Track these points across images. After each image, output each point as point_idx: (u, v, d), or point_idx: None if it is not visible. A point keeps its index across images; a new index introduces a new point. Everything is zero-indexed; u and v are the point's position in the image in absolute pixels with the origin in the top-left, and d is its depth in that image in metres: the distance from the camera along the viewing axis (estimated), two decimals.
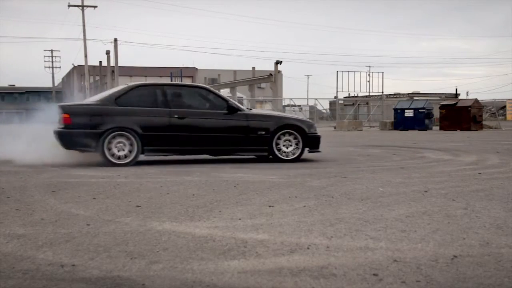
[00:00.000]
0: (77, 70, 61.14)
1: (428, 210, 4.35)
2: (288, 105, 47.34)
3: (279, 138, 8.95)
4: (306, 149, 9.10)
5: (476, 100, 26.25)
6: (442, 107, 26.61)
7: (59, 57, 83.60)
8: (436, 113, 28.15)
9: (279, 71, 39.30)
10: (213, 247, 3.24)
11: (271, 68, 41.84)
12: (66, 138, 8.52)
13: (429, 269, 2.76)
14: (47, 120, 9.63)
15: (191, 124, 8.70)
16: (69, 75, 71.65)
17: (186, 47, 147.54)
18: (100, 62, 51.85)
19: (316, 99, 42.48)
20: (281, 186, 5.85)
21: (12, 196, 5.32)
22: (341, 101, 40.81)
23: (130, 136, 8.37)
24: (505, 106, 48.69)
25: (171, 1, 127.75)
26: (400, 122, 27.59)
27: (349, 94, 41.65)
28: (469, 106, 25.09)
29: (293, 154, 8.97)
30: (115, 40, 42.47)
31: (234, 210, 4.45)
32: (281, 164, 8.48)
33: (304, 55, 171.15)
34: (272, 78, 39.50)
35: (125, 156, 8.40)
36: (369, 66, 48.13)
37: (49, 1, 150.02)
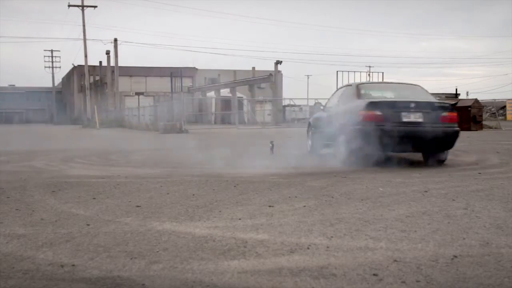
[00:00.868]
0: (77, 70, 61.15)
1: (428, 210, 4.35)
2: (288, 105, 47.35)
3: None
4: None
5: (476, 100, 26.24)
6: None
7: (59, 57, 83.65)
8: None
9: (279, 71, 39.33)
10: (213, 247, 3.24)
11: (271, 68, 41.88)
12: None
13: (429, 269, 2.76)
14: None
15: None
16: (69, 75, 71.63)
17: (186, 47, 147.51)
18: (100, 62, 51.93)
19: (316, 99, 42.53)
20: (281, 186, 5.85)
21: (12, 196, 5.32)
22: None
23: None
24: (505, 106, 48.65)
25: (171, 1, 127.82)
26: None
27: None
28: (469, 106, 25.08)
29: None
30: (115, 40, 42.50)
31: (234, 210, 4.45)
32: (281, 164, 8.49)
33: (304, 55, 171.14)
34: (272, 78, 39.51)
35: None
36: (369, 66, 48.20)
37: (49, 1, 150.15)
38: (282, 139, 15.08)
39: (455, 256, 2.99)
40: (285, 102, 49.15)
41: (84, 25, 43.95)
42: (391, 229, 3.67)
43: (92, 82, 52.01)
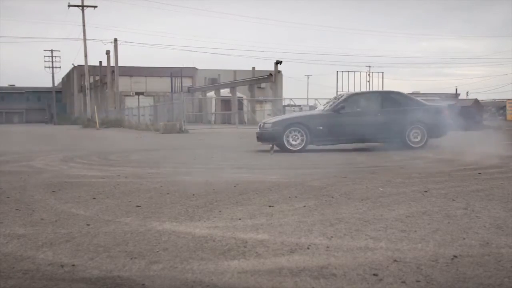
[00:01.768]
0: (77, 70, 61.16)
1: (428, 210, 4.35)
2: (288, 105, 47.31)
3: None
4: None
5: (476, 100, 26.22)
6: None
7: (59, 57, 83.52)
8: None
9: (279, 71, 39.26)
10: (213, 247, 3.24)
11: (271, 68, 41.81)
12: None
13: (429, 269, 2.76)
14: None
15: None
16: (69, 75, 71.63)
17: (186, 47, 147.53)
18: (100, 62, 51.88)
19: (316, 99, 42.46)
20: (281, 186, 5.85)
21: (12, 196, 5.32)
22: None
23: None
24: (505, 106, 48.62)
25: (171, 1, 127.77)
26: None
27: None
28: (469, 106, 25.06)
29: None
30: (115, 40, 42.49)
31: (234, 210, 4.45)
32: (281, 164, 8.49)
33: (304, 55, 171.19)
34: (272, 78, 39.47)
35: None
36: (369, 66, 48.12)
37: (49, 1, 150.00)
38: None
39: (455, 256, 2.99)
40: (285, 102, 49.10)
41: (84, 25, 43.95)
42: (391, 229, 3.67)
43: (92, 82, 51.99)
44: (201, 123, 40.18)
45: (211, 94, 50.36)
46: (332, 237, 3.47)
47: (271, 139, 11.46)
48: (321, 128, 11.34)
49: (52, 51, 67.54)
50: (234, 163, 8.85)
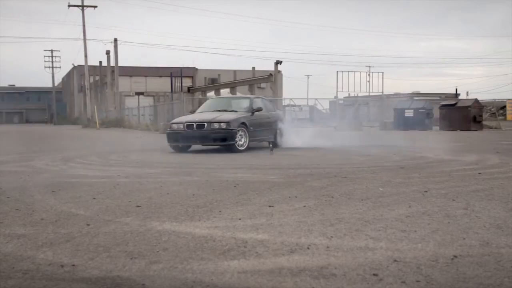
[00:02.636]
0: (77, 70, 61.14)
1: (428, 210, 4.35)
2: (288, 105, 47.31)
3: None
4: None
5: (476, 100, 26.22)
6: (442, 107, 26.59)
7: (59, 57, 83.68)
8: (436, 113, 28.10)
9: (279, 71, 39.30)
10: (213, 247, 3.24)
11: (271, 68, 41.83)
12: None
13: (429, 269, 2.76)
14: None
15: None
16: (69, 75, 71.65)
17: (186, 47, 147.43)
18: (100, 62, 51.87)
19: (316, 99, 42.46)
20: (281, 186, 5.85)
21: (12, 196, 5.31)
22: (341, 101, 40.77)
23: None
24: (505, 106, 48.63)
25: (171, 1, 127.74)
26: (400, 122, 27.54)
27: (349, 94, 41.59)
28: (469, 106, 25.07)
29: None
30: (115, 40, 42.47)
31: (234, 210, 4.45)
32: (281, 164, 8.50)
33: (304, 55, 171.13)
34: (272, 78, 39.47)
35: None
36: (369, 66, 48.10)
37: (49, 1, 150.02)
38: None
39: (455, 256, 2.99)
40: (285, 102, 49.09)
41: (84, 25, 43.98)
42: (391, 229, 3.67)
43: (92, 82, 51.99)
44: None
45: (211, 94, 50.32)
46: (332, 237, 3.47)
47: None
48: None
49: (52, 51, 67.63)
50: (233, 164, 8.85)
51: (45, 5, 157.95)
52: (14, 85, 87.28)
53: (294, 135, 13.83)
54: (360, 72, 36.29)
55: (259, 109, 12.60)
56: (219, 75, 55.96)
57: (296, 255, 3.04)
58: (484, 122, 27.35)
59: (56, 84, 71.84)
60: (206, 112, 12.78)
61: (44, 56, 67.83)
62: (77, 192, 5.52)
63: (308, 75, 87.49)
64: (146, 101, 52.45)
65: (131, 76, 58.08)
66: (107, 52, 43.65)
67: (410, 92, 51.66)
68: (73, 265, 2.88)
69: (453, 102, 26.95)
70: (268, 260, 2.95)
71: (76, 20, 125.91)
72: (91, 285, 2.58)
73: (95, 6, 45.24)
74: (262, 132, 12.58)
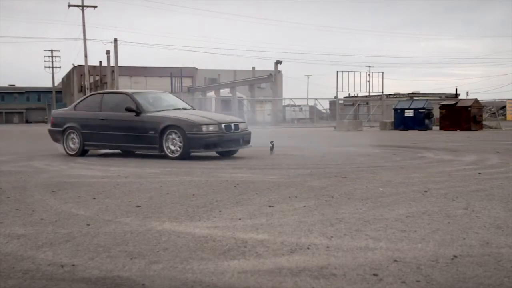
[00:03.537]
0: (77, 70, 61.12)
1: (428, 210, 4.35)
2: (288, 105, 47.34)
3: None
4: None
5: (476, 100, 26.22)
6: (442, 107, 26.58)
7: (59, 57, 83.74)
8: (436, 113, 28.10)
9: (279, 71, 39.33)
10: (213, 247, 3.24)
11: (271, 68, 41.85)
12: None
13: (429, 269, 2.76)
14: None
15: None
16: (69, 75, 71.59)
17: (186, 47, 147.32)
18: (100, 62, 51.88)
19: (316, 99, 42.50)
20: (281, 186, 5.85)
21: (12, 196, 5.32)
22: (341, 101, 40.79)
23: None
24: (505, 106, 48.67)
25: (171, 1, 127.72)
26: (400, 122, 27.56)
27: (349, 94, 41.62)
28: (469, 106, 25.07)
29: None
30: (115, 40, 42.46)
31: (234, 210, 4.45)
32: (281, 164, 8.50)
33: (304, 55, 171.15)
34: (272, 78, 39.49)
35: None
36: (369, 66, 48.07)
37: (49, 1, 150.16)
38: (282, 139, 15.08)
39: (455, 256, 2.99)
40: (285, 102, 49.13)
41: (84, 25, 43.97)
42: (391, 229, 3.67)
43: (92, 82, 51.99)
44: None
45: (211, 94, 50.39)
46: (332, 237, 3.47)
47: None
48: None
49: (52, 51, 67.69)
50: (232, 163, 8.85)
51: (45, 5, 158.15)
52: (14, 85, 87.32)
53: None
54: (360, 72, 36.27)
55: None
56: (219, 75, 56.02)
57: (296, 255, 3.04)
58: (484, 122, 27.36)
59: (56, 84, 71.87)
60: (167, 110, 10.32)
61: (44, 56, 67.91)
62: (77, 192, 5.52)
63: (308, 75, 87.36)
64: None
65: (131, 76, 58.13)
66: (107, 52, 43.65)
67: (410, 92, 51.75)
68: (73, 265, 2.88)
69: (453, 102, 26.94)
70: (268, 260, 2.95)
71: (76, 20, 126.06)
72: (91, 285, 2.58)
73: (95, 6, 45.26)
74: None
